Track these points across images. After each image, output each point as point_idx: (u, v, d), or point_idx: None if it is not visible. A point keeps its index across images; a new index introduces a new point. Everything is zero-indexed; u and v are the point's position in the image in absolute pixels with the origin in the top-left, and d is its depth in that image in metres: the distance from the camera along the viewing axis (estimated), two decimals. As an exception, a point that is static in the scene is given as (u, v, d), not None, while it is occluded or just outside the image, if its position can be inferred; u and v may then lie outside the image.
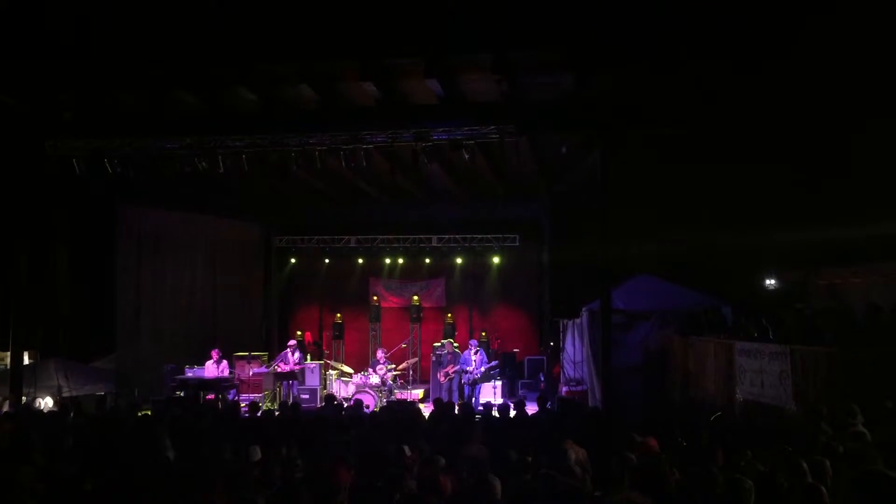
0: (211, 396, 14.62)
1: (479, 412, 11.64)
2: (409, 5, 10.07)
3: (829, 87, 10.84)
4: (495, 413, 10.71)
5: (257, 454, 6.92)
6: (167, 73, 11.29)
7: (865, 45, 9.80)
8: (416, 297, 20.38)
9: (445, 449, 6.93)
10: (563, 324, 17.04)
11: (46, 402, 13.94)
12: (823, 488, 4.40)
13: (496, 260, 19.96)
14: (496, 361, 16.58)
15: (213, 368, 15.37)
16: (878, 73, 10.37)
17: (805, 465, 5.07)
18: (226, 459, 6.82)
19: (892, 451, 5.41)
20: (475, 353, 15.68)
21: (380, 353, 16.52)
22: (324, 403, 11.84)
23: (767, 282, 15.23)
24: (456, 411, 10.58)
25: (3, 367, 14.44)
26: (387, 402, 14.35)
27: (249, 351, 17.46)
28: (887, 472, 3.59)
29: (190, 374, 15.32)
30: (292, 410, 10.48)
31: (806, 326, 9.99)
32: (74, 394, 14.37)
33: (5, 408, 11.92)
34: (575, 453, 6.65)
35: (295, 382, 16.32)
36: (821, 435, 7.05)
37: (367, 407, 13.88)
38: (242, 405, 11.98)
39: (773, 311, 11.61)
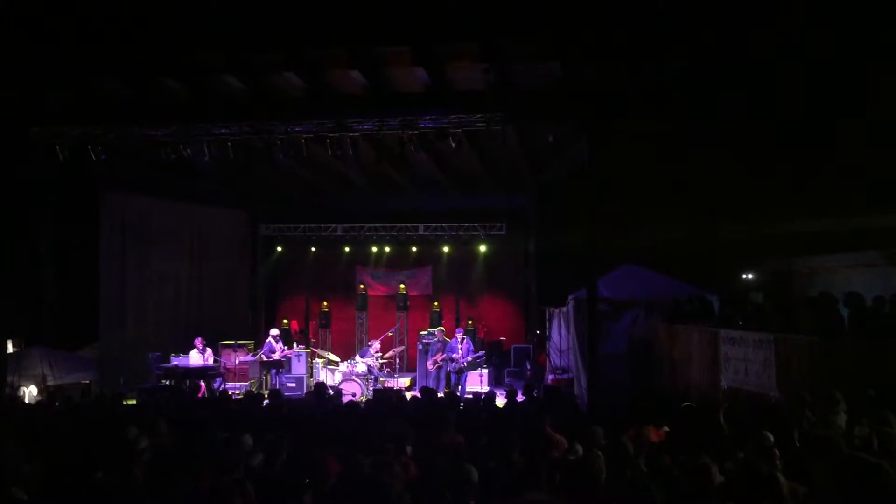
0: (202, 386, 14.63)
1: (467, 400, 11.71)
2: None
3: (813, 78, 10.90)
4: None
5: (249, 441, 6.91)
6: (152, 60, 11.19)
7: (850, 35, 9.85)
8: (402, 286, 20.41)
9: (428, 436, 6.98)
10: (550, 312, 17.10)
11: (31, 391, 13.89)
12: (780, 476, 4.47)
13: (483, 248, 19.99)
14: (482, 351, 16.63)
15: (198, 357, 15.33)
16: (862, 62, 10.42)
17: (779, 453, 5.13)
18: (211, 443, 6.82)
19: (871, 440, 5.48)
20: (461, 342, 15.73)
21: (374, 345, 16.51)
22: (311, 391, 11.85)
23: (751, 271, 15.34)
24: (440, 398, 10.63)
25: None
26: (373, 390, 14.39)
27: (235, 339, 17.43)
28: (867, 458, 3.64)
29: (175, 363, 15.29)
30: (274, 398, 10.49)
31: (789, 315, 10.07)
32: (59, 382, 14.33)
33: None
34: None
35: (282, 371, 16.34)
36: (804, 422, 7.13)
37: (354, 395, 13.95)
38: (232, 394, 11.99)
39: (758, 299, 11.70)
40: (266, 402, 10.43)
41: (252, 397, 11.15)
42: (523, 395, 11.45)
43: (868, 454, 4.56)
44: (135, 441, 6.92)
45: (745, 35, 9.94)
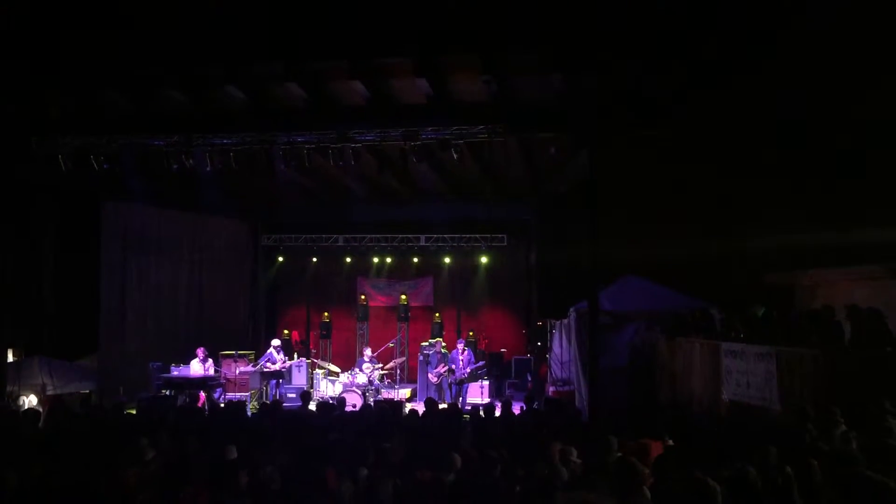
0: (202, 396, 14.57)
1: (467, 412, 11.66)
2: (399, 5, 10.04)
3: (817, 88, 10.89)
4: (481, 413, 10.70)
5: (233, 453, 6.91)
6: (155, 71, 11.21)
7: (853, 44, 9.85)
8: (403, 297, 20.38)
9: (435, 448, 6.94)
10: (551, 324, 17.07)
11: (31, 400, 13.85)
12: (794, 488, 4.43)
13: (484, 260, 19.98)
14: (483, 361, 16.59)
15: (198, 367, 15.28)
16: (867, 72, 10.42)
17: (787, 466, 5.09)
18: (207, 459, 6.80)
19: (874, 453, 5.44)
20: (462, 353, 15.69)
21: (366, 352, 16.48)
22: (301, 403, 11.79)
23: (753, 283, 15.27)
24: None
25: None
26: (373, 401, 14.33)
27: (236, 349, 17.39)
28: (872, 475, 3.61)
29: (175, 373, 15.24)
30: (273, 409, 10.46)
31: (791, 327, 10.03)
32: (59, 391, 14.29)
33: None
34: (562, 452, 6.70)
35: (282, 381, 16.29)
36: (806, 435, 7.09)
37: (354, 406, 13.89)
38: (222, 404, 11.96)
39: (759, 311, 11.64)
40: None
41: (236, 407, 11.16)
42: (525, 406, 11.39)
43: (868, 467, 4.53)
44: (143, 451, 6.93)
45: (745, 46, 9.96)
